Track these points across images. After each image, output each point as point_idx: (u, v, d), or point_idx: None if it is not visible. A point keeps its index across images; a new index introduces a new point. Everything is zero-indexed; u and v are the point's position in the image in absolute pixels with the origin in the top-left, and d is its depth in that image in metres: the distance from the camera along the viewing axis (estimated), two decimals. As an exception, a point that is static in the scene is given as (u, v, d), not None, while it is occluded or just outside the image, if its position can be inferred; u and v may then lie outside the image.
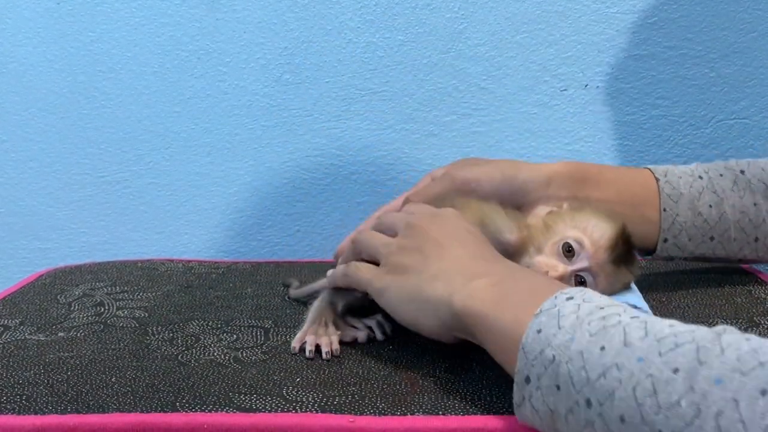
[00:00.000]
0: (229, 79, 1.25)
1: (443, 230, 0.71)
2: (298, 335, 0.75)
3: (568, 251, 0.74)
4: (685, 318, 0.81)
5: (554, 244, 0.75)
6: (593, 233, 0.75)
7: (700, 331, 0.48)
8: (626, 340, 0.49)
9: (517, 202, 0.85)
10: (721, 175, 0.91)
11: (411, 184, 1.25)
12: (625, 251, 0.76)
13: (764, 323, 0.80)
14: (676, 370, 0.46)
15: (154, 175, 1.28)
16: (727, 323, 0.79)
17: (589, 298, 0.55)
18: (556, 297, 0.55)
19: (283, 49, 1.24)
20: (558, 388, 0.51)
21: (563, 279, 0.74)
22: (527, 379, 0.53)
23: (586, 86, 1.22)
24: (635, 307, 0.71)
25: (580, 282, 0.74)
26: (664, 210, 0.88)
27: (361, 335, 0.77)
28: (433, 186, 0.87)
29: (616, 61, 1.21)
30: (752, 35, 1.20)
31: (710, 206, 0.89)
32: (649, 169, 0.90)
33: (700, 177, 0.90)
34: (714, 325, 0.78)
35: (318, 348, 0.73)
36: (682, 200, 0.88)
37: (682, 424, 0.44)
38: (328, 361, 0.71)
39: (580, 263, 0.74)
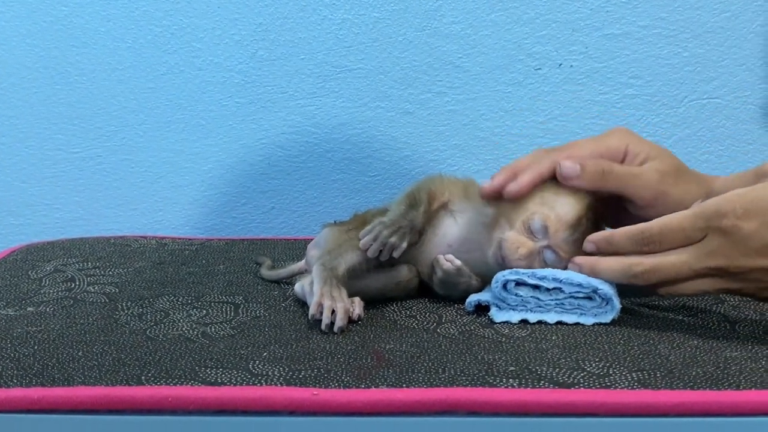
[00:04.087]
0: (203, 55, 1.24)
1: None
2: (314, 300, 0.73)
3: (534, 228, 0.75)
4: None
5: (523, 221, 0.76)
6: (558, 210, 0.76)
7: None
8: None
9: None
10: None
11: (386, 161, 1.26)
12: (592, 227, 0.77)
13: (729, 300, 0.81)
14: None
15: (128, 152, 1.28)
16: (692, 300, 0.81)
17: None
18: None
19: (257, 25, 1.23)
20: None
21: (531, 255, 0.76)
22: None
23: (560, 65, 1.22)
24: (597, 290, 0.73)
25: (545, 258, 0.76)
26: None
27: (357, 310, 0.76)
28: (637, 173, 0.81)
29: (590, 40, 1.21)
30: (725, 15, 1.20)
31: None
32: None
33: None
34: (681, 300, 0.80)
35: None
36: None
37: None
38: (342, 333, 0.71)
39: (544, 240, 0.76)
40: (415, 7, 1.22)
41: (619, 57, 1.22)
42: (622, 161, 0.82)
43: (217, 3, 1.23)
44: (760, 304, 0.79)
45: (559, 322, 0.74)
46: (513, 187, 0.79)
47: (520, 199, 0.79)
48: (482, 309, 0.78)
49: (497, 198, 0.80)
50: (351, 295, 0.77)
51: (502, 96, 1.24)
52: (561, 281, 0.74)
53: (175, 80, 1.25)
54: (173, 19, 1.24)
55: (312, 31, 1.23)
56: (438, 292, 0.81)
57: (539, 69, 1.23)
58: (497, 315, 0.75)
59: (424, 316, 0.77)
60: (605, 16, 1.21)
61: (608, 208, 0.84)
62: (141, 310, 0.80)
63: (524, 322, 0.74)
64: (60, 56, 1.26)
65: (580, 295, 0.74)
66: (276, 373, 0.62)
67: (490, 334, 0.71)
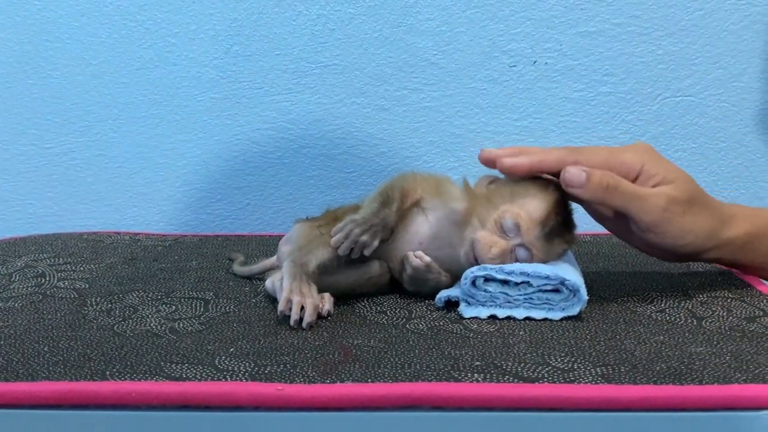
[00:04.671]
0: (177, 50, 1.24)
1: None
2: (283, 296, 0.73)
3: (507, 227, 0.76)
4: (620, 290, 0.83)
5: (495, 220, 0.77)
6: (528, 208, 0.76)
7: None
8: None
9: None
10: None
11: (362, 158, 1.26)
12: (561, 222, 0.77)
13: (698, 296, 0.81)
14: None
15: (102, 147, 1.27)
16: (661, 296, 0.81)
17: None
18: None
19: (233, 20, 1.23)
20: None
21: (504, 254, 0.76)
22: None
23: (534, 62, 1.22)
24: (564, 281, 0.73)
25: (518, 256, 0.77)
26: None
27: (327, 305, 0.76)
28: (643, 195, 0.78)
29: (565, 38, 1.22)
30: (699, 13, 1.21)
31: None
32: None
33: None
34: (650, 295, 0.80)
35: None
36: None
37: None
38: (310, 329, 0.71)
39: (517, 239, 0.76)
40: (391, 4, 1.22)
41: (594, 54, 1.22)
42: (635, 180, 0.78)
43: (191, -2, 1.22)
44: (728, 300, 0.80)
45: (528, 318, 0.74)
46: (508, 161, 0.78)
47: (491, 196, 0.79)
48: (453, 305, 0.78)
49: (490, 166, 0.79)
50: (321, 290, 0.77)
51: (477, 93, 1.24)
52: (529, 274, 0.74)
53: (150, 75, 1.25)
54: (148, 14, 1.23)
55: (287, 26, 1.23)
56: (407, 288, 0.82)
57: (514, 66, 1.23)
58: (466, 311, 0.75)
59: (394, 312, 0.77)
60: (580, 13, 1.21)
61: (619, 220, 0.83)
62: (110, 305, 0.80)
63: (493, 317, 0.75)
64: (33, 51, 1.25)
65: (548, 287, 0.74)
66: (242, 368, 0.62)
67: (459, 330, 0.71)
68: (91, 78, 1.25)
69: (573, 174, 0.76)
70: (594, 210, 0.84)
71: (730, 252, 0.82)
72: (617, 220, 0.82)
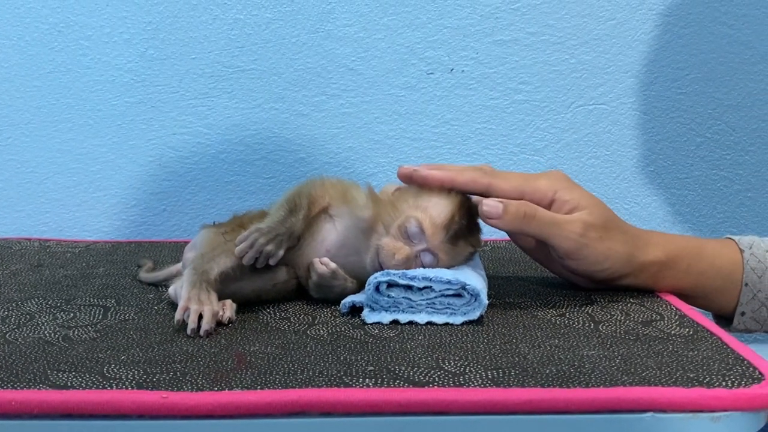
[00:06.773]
0: (91, 53, 1.22)
1: None
2: (180, 304, 0.72)
3: (411, 233, 0.76)
4: (525, 294, 0.84)
5: (399, 226, 0.77)
6: (431, 213, 0.77)
7: None
8: None
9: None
10: None
11: (280, 164, 1.25)
12: (465, 226, 0.78)
13: (599, 301, 0.82)
14: None
15: (14, 152, 1.24)
16: (564, 300, 0.82)
17: None
18: None
19: (147, 23, 1.21)
20: None
21: (409, 260, 0.76)
22: None
23: (451, 70, 1.23)
24: (465, 285, 0.74)
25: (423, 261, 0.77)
26: (746, 284, 0.85)
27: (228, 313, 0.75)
28: (560, 222, 0.79)
29: (481, 46, 1.23)
30: (611, 23, 1.23)
31: None
32: (734, 241, 0.87)
33: None
34: (552, 299, 0.81)
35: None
36: (766, 275, 0.85)
37: None
38: (207, 336, 0.70)
39: (421, 244, 0.76)
40: (308, 9, 1.22)
41: (509, 63, 1.24)
42: (549, 206, 0.80)
43: (105, 1, 1.20)
44: (628, 305, 0.81)
45: (430, 323, 0.74)
46: (424, 171, 0.80)
47: (396, 202, 0.79)
48: (358, 310, 0.78)
49: (407, 181, 0.81)
50: (225, 296, 0.77)
51: (395, 99, 1.25)
52: (431, 279, 0.74)
53: (63, 79, 1.22)
54: (60, 16, 1.21)
55: (203, 30, 1.22)
56: (314, 295, 0.81)
57: (432, 73, 1.24)
58: (369, 316, 0.75)
59: (297, 318, 0.77)
60: (495, 22, 1.22)
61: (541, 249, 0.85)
62: (6, 313, 0.78)
63: (395, 322, 0.75)
64: (-58, 52, 1.22)
65: (450, 292, 0.75)
66: (130, 376, 0.60)
67: (359, 335, 0.71)
68: (2, 81, 1.22)
69: (490, 206, 0.77)
70: (516, 240, 0.86)
71: (644, 278, 0.84)
72: (539, 249, 0.85)
